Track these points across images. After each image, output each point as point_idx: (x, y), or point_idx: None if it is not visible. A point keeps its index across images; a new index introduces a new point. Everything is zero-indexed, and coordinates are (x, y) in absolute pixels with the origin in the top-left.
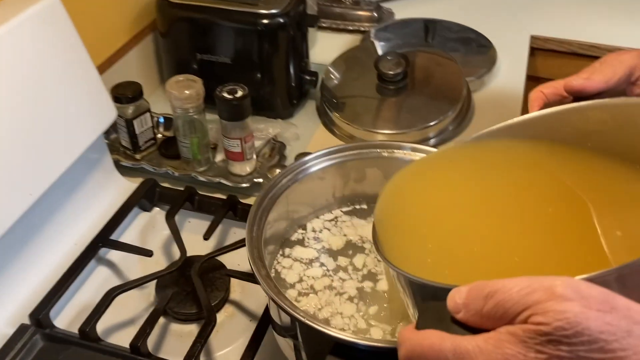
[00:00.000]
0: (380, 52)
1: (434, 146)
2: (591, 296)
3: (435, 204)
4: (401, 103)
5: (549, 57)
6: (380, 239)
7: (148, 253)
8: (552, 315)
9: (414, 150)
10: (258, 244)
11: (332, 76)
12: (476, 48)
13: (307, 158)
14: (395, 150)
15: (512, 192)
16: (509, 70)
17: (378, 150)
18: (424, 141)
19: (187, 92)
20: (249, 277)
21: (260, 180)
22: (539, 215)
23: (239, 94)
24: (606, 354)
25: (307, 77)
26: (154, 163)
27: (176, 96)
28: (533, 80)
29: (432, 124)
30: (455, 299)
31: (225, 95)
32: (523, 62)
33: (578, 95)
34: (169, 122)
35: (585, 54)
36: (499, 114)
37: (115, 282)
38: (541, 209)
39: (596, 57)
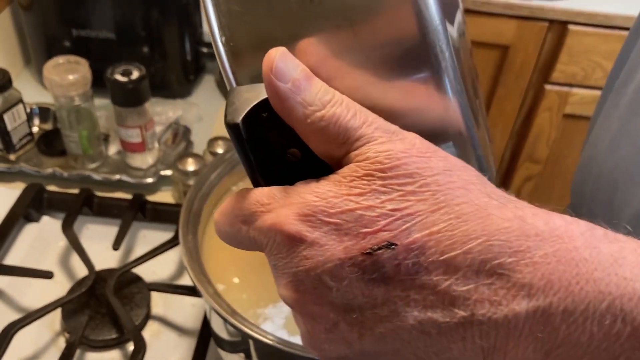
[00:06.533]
0: None
1: None
2: (414, 145)
3: None
4: None
5: None
6: None
7: (47, 275)
8: (372, 153)
9: None
10: (197, 255)
11: None
12: None
13: None
14: None
15: None
16: None
17: None
18: None
19: (71, 77)
20: (177, 289)
21: (169, 172)
22: None
23: (135, 75)
24: (420, 188)
25: (204, 50)
26: (34, 163)
27: (58, 83)
28: None
29: None
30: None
31: (119, 77)
32: None
33: None
34: (45, 112)
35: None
36: None
37: (9, 314)
38: None
39: (490, 14)
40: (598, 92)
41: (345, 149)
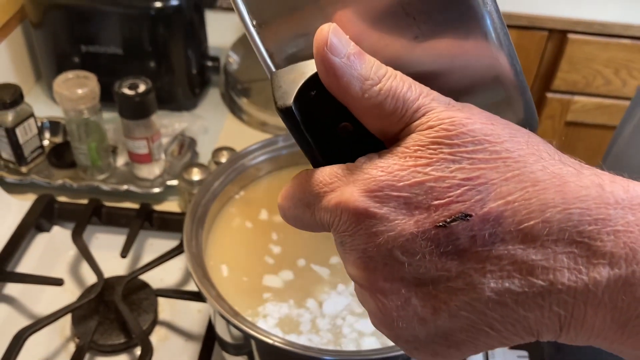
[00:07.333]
0: None
1: None
2: (474, 113)
3: None
4: None
5: None
6: None
7: (58, 282)
8: (434, 121)
9: None
10: (200, 260)
11: (231, 60)
12: None
13: (237, 155)
14: None
15: None
16: None
17: None
18: None
19: (80, 91)
20: (183, 295)
21: (175, 182)
22: None
23: (142, 88)
24: (490, 156)
25: (209, 63)
26: (44, 175)
27: (68, 97)
28: None
29: None
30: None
31: (126, 91)
32: None
33: None
34: (55, 126)
35: None
36: None
37: (21, 320)
38: None
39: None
40: (600, 100)
41: (403, 123)
